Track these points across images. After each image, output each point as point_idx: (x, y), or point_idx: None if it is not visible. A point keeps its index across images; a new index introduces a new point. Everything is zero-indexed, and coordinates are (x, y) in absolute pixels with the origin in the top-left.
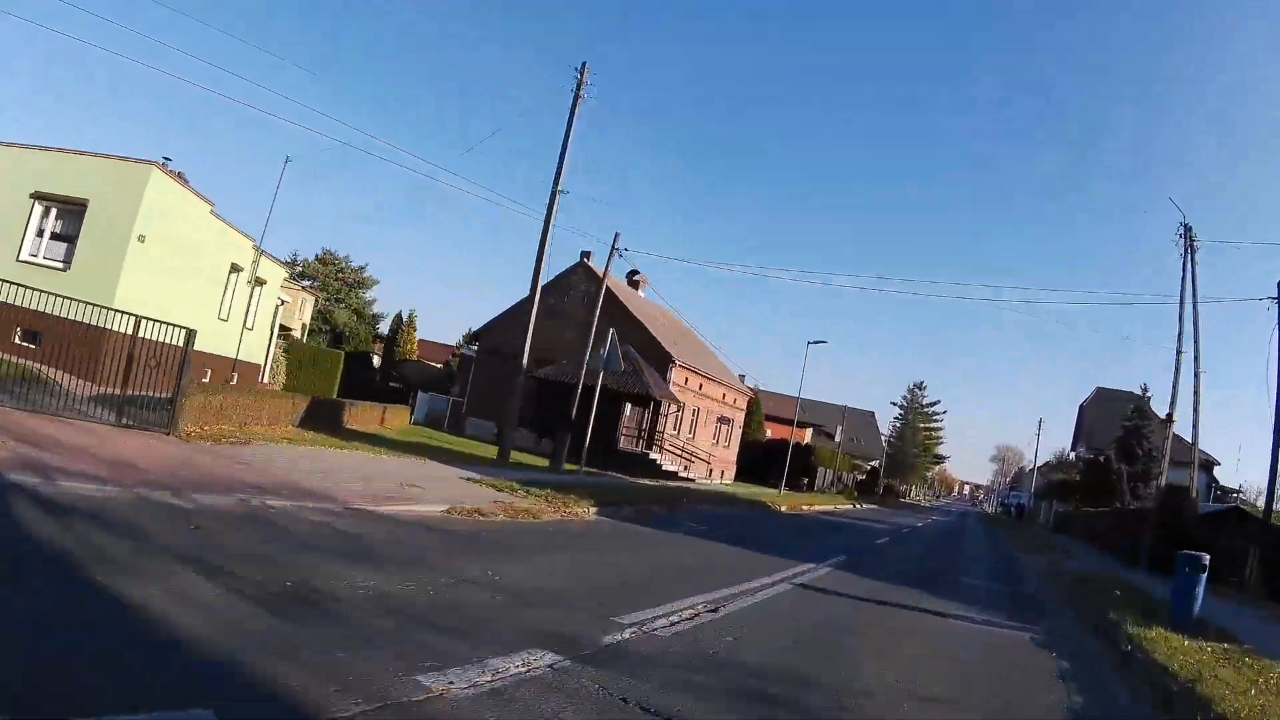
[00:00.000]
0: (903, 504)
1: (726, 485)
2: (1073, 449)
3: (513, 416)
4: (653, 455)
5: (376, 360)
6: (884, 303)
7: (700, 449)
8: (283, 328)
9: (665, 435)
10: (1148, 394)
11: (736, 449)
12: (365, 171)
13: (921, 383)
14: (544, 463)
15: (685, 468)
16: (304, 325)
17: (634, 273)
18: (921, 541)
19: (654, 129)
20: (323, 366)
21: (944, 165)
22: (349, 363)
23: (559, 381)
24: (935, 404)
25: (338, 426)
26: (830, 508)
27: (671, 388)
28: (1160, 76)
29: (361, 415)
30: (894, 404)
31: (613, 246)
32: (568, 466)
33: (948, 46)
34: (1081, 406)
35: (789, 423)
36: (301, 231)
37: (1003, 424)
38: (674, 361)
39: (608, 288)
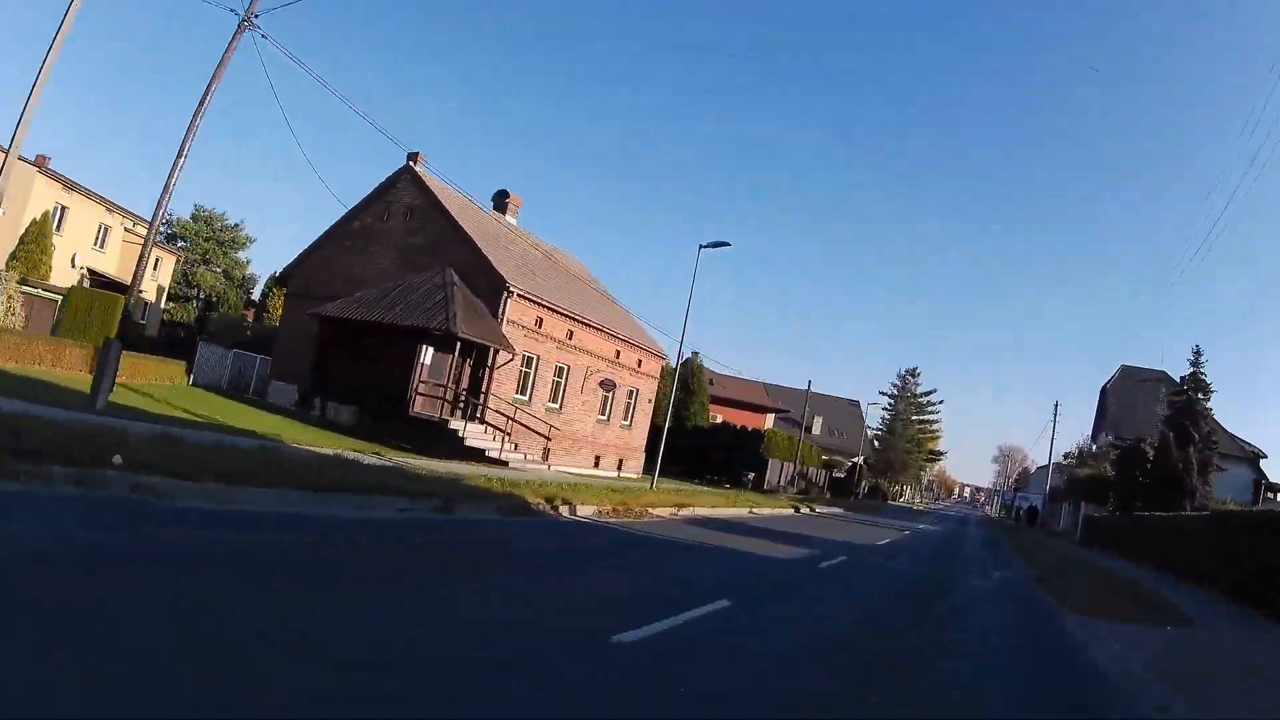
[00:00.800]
0: (889, 507)
1: (579, 474)
2: (1093, 440)
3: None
4: (454, 425)
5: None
6: (878, 288)
7: (567, 425)
8: (114, 283)
9: (490, 398)
10: (1203, 359)
11: (646, 431)
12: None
13: (915, 369)
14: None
15: (537, 451)
16: (161, 288)
17: (503, 193)
18: (813, 622)
19: None
20: (103, 316)
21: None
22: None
23: (349, 319)
24: (930, 394)
25: None
26: (739, 512)
27: (508, 328)
28: None
29: (37, 354)
30: (883, 393)
31: None
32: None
33: None
34: (1104, 389)
35: (750, 408)
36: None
37: (1004, 425)
38: (510, 291)
39: (432, 191)
